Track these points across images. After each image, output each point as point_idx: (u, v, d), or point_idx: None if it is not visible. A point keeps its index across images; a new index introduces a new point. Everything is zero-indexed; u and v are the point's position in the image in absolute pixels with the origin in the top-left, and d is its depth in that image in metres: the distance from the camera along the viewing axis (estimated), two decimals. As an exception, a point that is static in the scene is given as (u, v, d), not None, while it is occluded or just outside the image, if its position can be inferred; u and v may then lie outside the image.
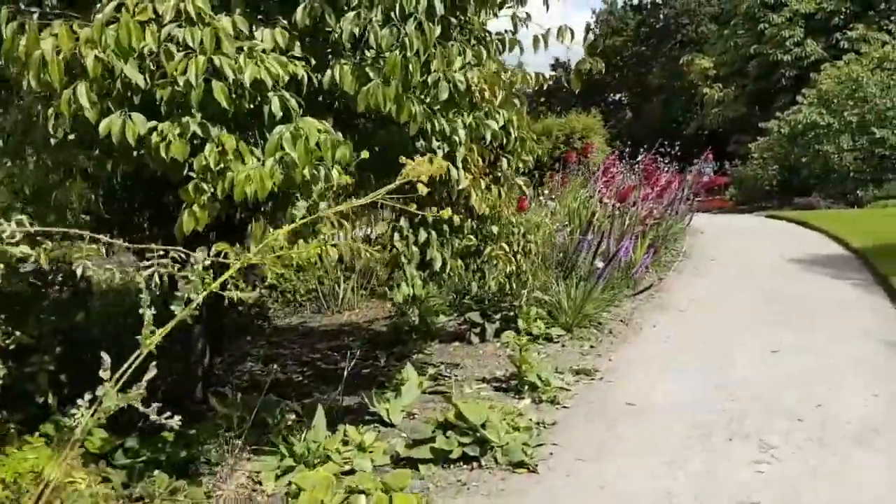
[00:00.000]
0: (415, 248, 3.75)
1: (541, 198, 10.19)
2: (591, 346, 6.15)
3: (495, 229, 4.96)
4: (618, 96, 43.14)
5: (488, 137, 3.99)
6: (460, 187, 3.73)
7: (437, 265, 3.81)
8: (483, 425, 3.79)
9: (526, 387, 4.90)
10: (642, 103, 41.10)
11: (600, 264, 7.23)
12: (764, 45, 25.72)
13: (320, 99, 3.25)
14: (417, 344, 6.40)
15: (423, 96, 3.23)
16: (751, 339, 6.02)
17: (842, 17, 24.66)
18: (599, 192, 9.48)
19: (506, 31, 5.01)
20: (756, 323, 6.63)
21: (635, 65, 41.08)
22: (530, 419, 4.34)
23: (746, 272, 9.43)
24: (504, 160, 4.45)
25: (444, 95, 3.22)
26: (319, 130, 2.80)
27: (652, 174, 11.49)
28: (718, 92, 27.62)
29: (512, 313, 6.52)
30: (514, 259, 6.16)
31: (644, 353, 5.83)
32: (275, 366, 6.37)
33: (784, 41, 24.98)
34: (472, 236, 4.99)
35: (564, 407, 4.65)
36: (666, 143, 15.34)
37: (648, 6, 40.27)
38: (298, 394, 5.46)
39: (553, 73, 38.94)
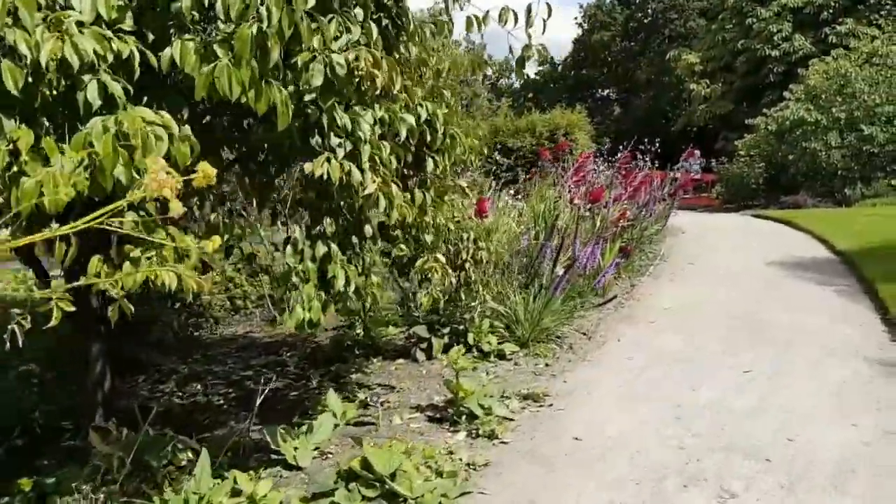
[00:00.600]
0: (311, 265, 3.16)
1: (506, 198, 9.63)
2: (547, 365, 5.58)
3: (429, 238, 4.39)
4: (606, 92, 42.60)
5: (403, 134, 3.41)
6: (366, 192, 3.14)
7: (340, 284, 3.21)
8: (393, 475, 3.21)
9: (463, 416, 4.32)
10: (630, 99, 40.64)
11: (560, 271, 6.66)
12: (751, 40, 25.21)
13: (170, 84, 2.66)
14: (358, 362, 5.81)
15: (295, 82, 2.64)
16: (722, 358, 5.45)
17: (831, 11, 24.16)
18: (570, 192, 8.89)
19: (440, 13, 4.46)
20: (730, 337, 6.06)
21: (623, 60, 40.60)
22: (459, 459, 3.77)
23: (725, 277, 8.87)
24: (430, 160, 3.87)
25: (318, 81, 2.64)
26: (148, 122, 2.20)
27: (629, 173, 10.93)
28: (705, 88, 27.09)
29: (462, 327, 5.94)
30: (464, 268, 5.61)
31: (603, 373, 5.26)
32: (198, 385, 5.81)
33: (772, 36, 24.47)
34: (403, 246, 4.44)
35: (503, 442, 4.07)
36: (646, 139, 14.81)
37: (637, 1, 39.75)
38: (213, 422, 4.89)
39: (541, 65, 38.37)
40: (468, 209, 6.21)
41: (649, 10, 38.19)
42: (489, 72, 42.52)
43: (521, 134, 26.43)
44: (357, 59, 2.76)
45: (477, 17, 4.00)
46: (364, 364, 5.79)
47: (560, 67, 42.23)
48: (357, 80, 2.83)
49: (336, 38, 2.75)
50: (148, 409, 5.12)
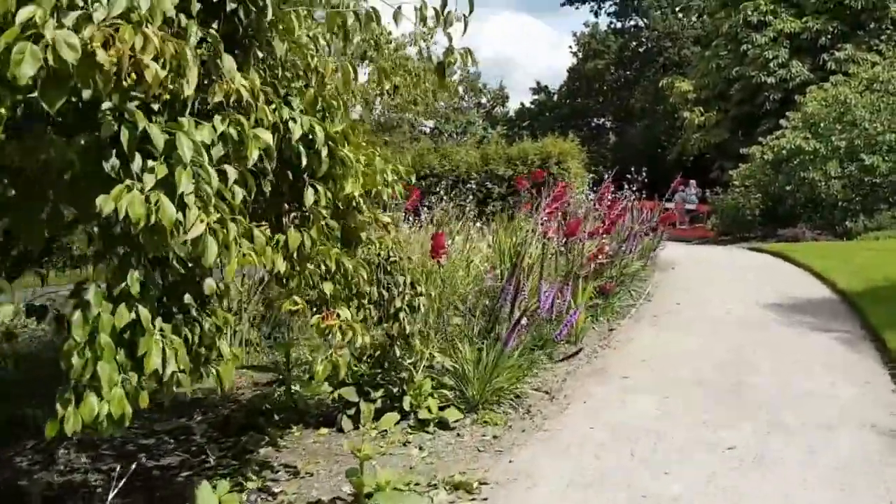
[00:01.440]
0: (105, 338, 2.28)
1: (472, 233, 8.78)
2: (496, 437, 4.67)
3: (328, 288, 3.52)
4: (601, 121, 41.99)
5: (253, 156, 2.55)
6: (189, 236, 2.27)
7: (153, 363, 2.34)
8: None
9: (367, 521, 3.42)
10: (626, 128, 40.01)
11: (523, 320, 5.77)
12: (746, 67, 24.53)
13: None
14: (271, 432, 4.89)
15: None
16: (701, 430, 4.55)
17: (829, 36, 23.49)
18: (542, 225, 8.04)
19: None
20: (712, 401, 5.16)
21: (618, 89, 40.05)
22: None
23: (714, 322, 7.97)
24: (309, 191, 3.01)
25: (28, 70, 1.76)
26: None
27: (613, 204, 10.11)
28: (699, 116, 26.36)
29: (398, 389, 5.04)
30: (397, 318, 4.74)
31: (557, 450, 4.35)
32: (85, 457, 4.90)
33: (768, 62, 23.79)
34: (298, 299, 3.58)
35: (412, 557, 3.17)
36: (632, 169, 14.01)
37: (631, 29, 39.26)
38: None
39: (536, 94, 37.78)
40: (409, 246, 5.35)
41: (643, 39, 37.68)
42: (483, 100, 42.01)
43: (512, 162, 25.71)
44: (108, 40, 1.88)
45: (375, 10, 3.19)
46: (280, 434, 4.88)
47: (556, 96, 41.68)
48: (125, 74, 1.95)
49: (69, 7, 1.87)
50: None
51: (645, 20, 37.71)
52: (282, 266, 2.95)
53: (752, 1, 24.88)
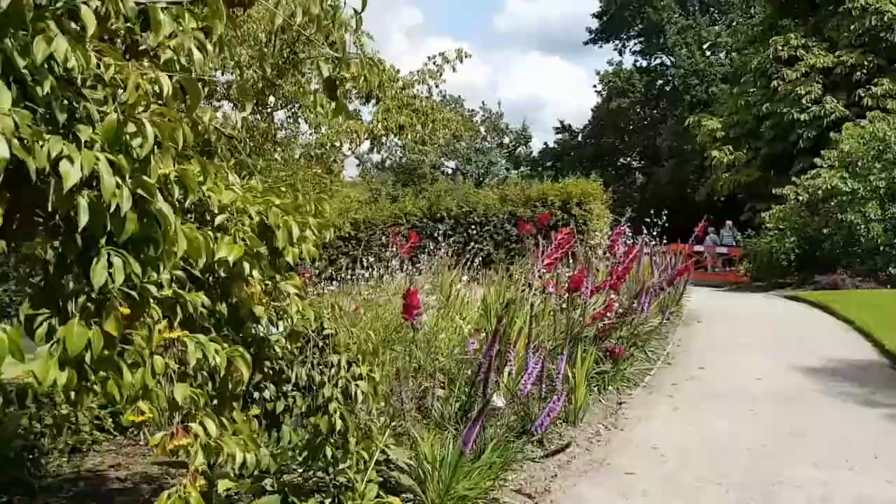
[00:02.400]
0: None
1: (459, 286, 7.74)
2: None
3: (180, 393, 2.51)
4: (627, 160, 40.92)
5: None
6: None
7: None
8: None
9: None
10: (653, 168, 38.89)
11: (500, 402, 4.70)
12: (778, 104, 23.38)
13: None
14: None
15: None
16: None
17: (864, 71, 22.29)
18: (538, 278, 7.00)
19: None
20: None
21: (644, 128, 39.04)
22: None
23: (743, 395, 6.79)
24: (97, 267, 2.01)
25: None
26: None
27: (628, 253, 9.03)
28: (728, 155, 25.17)
29: (331, 501, 3.98)
30: (327, 411, 3.73)
31: None
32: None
33: (800, 98, 22.62)
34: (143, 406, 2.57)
35: None
36: (652, 211, 12.94)
37: (657, 67, 38.35)
38: None
39: (560, 133, 37.02)
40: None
41: (669, 77, 36.72)
42: (506, 140, 41.24)
43: (531, 203, 24.74)
44: None
45: None
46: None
47: (580, 136, 40.79)
48: None
49: None
50: None
51: (671, 58, 36.79)
52: (59, 377, 1.95)
53: (782, 36, 23.84)
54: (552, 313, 6.75)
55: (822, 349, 8.89)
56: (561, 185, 25.02)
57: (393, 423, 4.65)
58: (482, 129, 39.73)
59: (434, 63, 16.90)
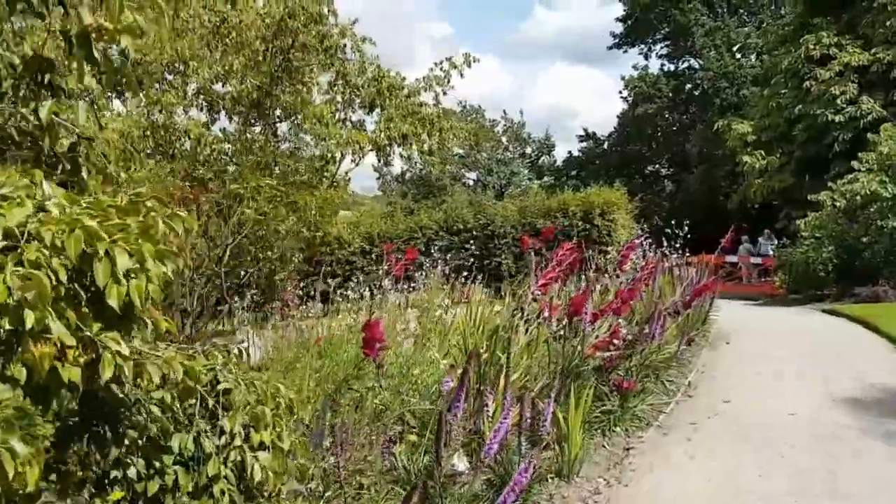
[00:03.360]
0: None
1: (440, 309, 6.83)
2: None
3: None
4: (654, 167, 39.70)
5: None
6: None
7: None
8: None
9: None
10: (682, 175, 37.66)
11: (462, 465, 3.81)
12: (811, 105, 22.15)
13: None
14: None
15: None
16: None
17: (903, 68, 21.04)
18: (532, 300, 6.10)
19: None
20: None
21: (673, 134, 37.83)
22: None
23: (774, 434, 5.81)
24: None
25: None
26: None
27: (646, 267, 8.08)
28: (760, 160, 23.96)
29: None
30: (210, 496, 2.91)
31: None
32: None
33: (834, 99, 21.38)
34: None
35: None
36: (673, 221, 11.98)
37: (685, 71, 37.14)
38: None
39: (584, 141, 36.07)
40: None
41: (697, 80, 35.49)
42: (528, 150, 40.29)
43: (552, 215, 23.80)
44: None
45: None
46: None
47: (606, 143, 39.68)
48: None
49: None
50: None
51: (699, 61, 35.58)
52: None
53: (814, 34, 22.64)
54: (546, 343, 5.83)
55: (865, 374, 7.85)
56: (583, 195, 24.02)
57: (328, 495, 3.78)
58: (504, 138, 38.84)
59: (441, 69, 16.07)
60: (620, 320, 6.47)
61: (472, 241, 23.36)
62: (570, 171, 39.34)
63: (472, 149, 37.83)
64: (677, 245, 11.74)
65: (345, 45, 13.36)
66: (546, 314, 6.23)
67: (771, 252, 22.53)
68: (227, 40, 13.16)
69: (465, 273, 11.03)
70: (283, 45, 12.54)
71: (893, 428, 5.85)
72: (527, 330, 6.10)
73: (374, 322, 4.73)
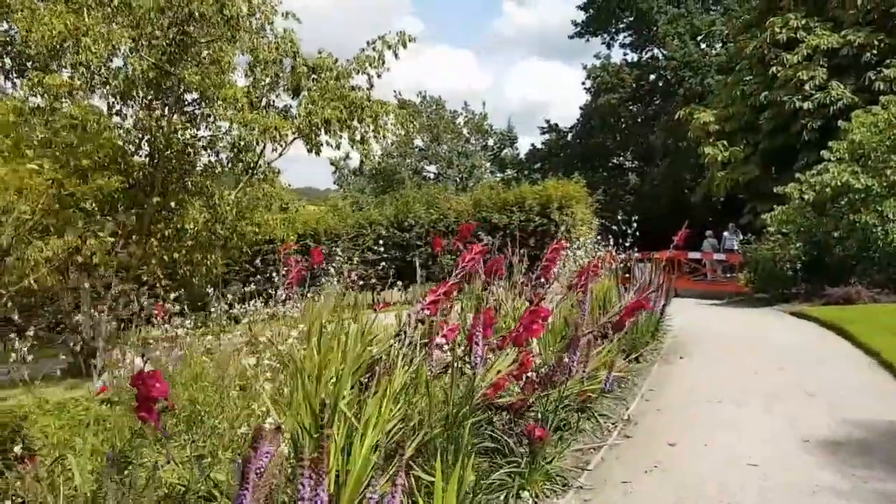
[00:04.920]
0: None
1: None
2: None
3: None
4: (619, 160, 38.48)
5: None
6: None
7: None
8: None
9: None
10: (646, 168, 36.50)
11: None
12: (777, 91, 20.91)
13: None
14: None
15: None
16: None
17: (874, 52, 19.78)
18: (417, 322, 4.65)
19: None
20: None
21: (636, 125, 36.62)
22: None
23: (725, 498, 4.39)
24: None
25: None
26: None
27: (583, 272, 6.65)
28: (722, 151, 22.72)
29: None
30: None
31: None
32: None
33: (802, 85, 20.15)
34: None
35: None
36: (619, 218, 10.64)
37: (648, 61, 35.88)
38: None
39: (546, 133, 34.76)
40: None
41: (660, 70, 34.23)
42: (490, 142, 38.87)
43: (508, 209, 22.43)
44: None
45: None
46: None
47: (570, 135, 38.30)
48: None
49: None
50: None
51: (662, 50, 34.33)
52: None
53: (781, 17, 21.42)
54: (427, 384, 4.35)
55: (843, 400, 6.50)
56: (540, 188, 22.70)
57: None
58: (465, 130, 37.33)
59: (374, 48, 14.52)
60: (535, 344, 5.04)
61: (423, 238, 21.91)
62: (532, 164, 37.98)
63: (432, 141, 36.37)
64: (627, 243, 10.39)
65: (254, 18, 11.78)
66: (441, 339, 4.80)
67: (736, 247, 21.36)
68: (122, 16, 11.56)
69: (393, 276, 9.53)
70: (178, 16, 10.95)
71: (873, 484, 4.48)
72: (412, 360, 4.65)
73: (149, 374, 3.30)
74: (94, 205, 12.44)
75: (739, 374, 7.94)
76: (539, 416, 4.88)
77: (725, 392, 7.04)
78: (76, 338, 11.99)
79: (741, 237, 21.14)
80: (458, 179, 35.09)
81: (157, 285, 13.88)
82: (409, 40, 13.86)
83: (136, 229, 13.33)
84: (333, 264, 8.36)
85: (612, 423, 6.00)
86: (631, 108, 36.12)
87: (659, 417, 6.25)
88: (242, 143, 12.53)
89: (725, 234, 23.05)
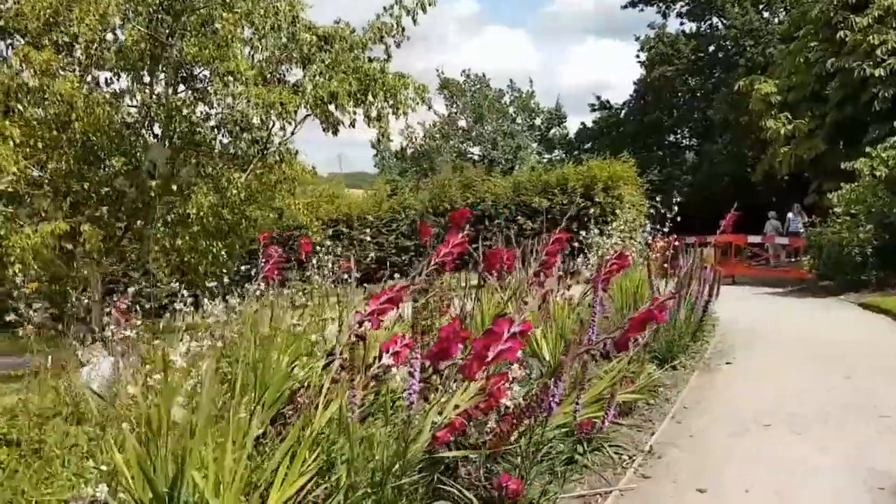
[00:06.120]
0: None
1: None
2: None
3: None
4: (675, 137, 36.60)
5: None
6: None
7: None
8: None
9: None
10: (705, 145, 34.60)
11: None
12: (846, 58, 19.08)
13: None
14: None
15: None
16: None
17: (955, 11, 17.87)
18: (351, 343, 3.52)
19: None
20: None
21: (694, 99, 34.69)
22: None
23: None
24: None
25: None
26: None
27: (606, 269, 5.41)
28: (786, 124, 20.94)
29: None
30: None
31: None
32: None
33: (873, 50, 18.30)
34: None
35: None
36: (658, 200, 9.30)
37: (707, 31, 33.86)
38: None
39: (597, 111, 33.21)
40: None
41: (720, 40, 32.21)
42: (537, 121, 37.38)
43: (549, 191, 21.12)
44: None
45: None
46: None
47: (622, 112, 36.55)
48: None
49: None
50: None
51: (722, 19, 32.30)
52: None
53: (849, -25, 19.56)
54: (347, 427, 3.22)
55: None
56: (584, 169, 21.32)
57: None
58: (511, 109, 35.87)
59: (390, 14, 13.37)
60: (515, 367, 3.86)
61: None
62: (582, 144, 36.37)
63: (476, 122, 35.11)
64: (666, 229, 9.11)
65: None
66: (388, 361, 3.68)
67: (801, 230, 19.63)
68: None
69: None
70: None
71: None
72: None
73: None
74: (89, 187, 11.63)
75: (796, 385, 6.61)
76: (512, 464, 3.71)
77: (777, 411, 5.74)
78: (82, 328, 11.16)
79: (806, 219, 19.44)
80: (502, 161, 33.74)
81: (162, 274, 13.05)
82: (429, 4, 12.66)
83: (138, 214, 12.50)
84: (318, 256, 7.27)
85: (630, 456, 4.78)
86: (688, 81, 34.20)
87: (690, 448, 5.00)
88: (245, 120, 11.54)
89: (789, 215, 21.38)
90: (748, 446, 4.99)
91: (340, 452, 3.22)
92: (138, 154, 12.13)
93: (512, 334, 3.46)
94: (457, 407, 3.42)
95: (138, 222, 12.31)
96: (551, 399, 3.27)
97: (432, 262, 4.52)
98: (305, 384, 3.52)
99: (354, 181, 42.15)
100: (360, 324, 3.56)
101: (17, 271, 9.89)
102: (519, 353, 5.03)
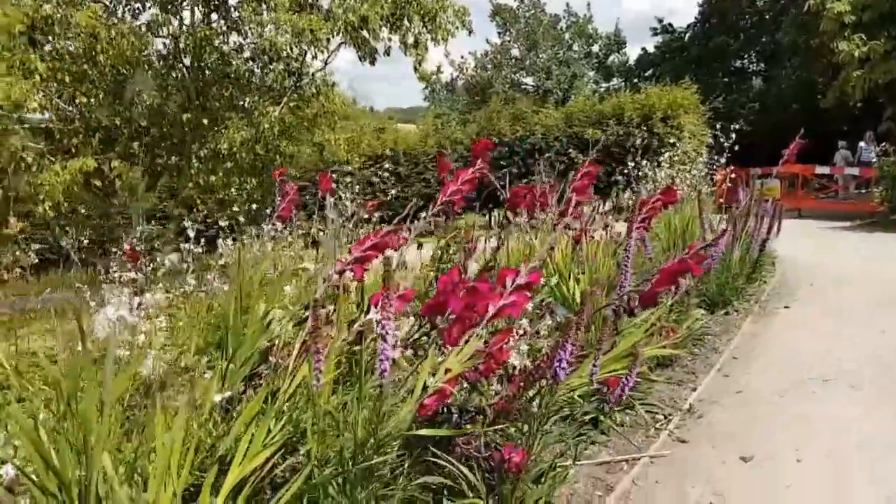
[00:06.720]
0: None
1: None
2: None
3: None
4: (741, 63, 34.75)
5: None
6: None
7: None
8: None
9: None
10: (773, 70, 32.77)
11: None
12: (930, -30, 17.45)
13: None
14: None
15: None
16: None
17: None
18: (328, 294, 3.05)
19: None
20: None
21: (762, 22, 32.74)
22: None
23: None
24: None
25: None
26: None
27: (645, 209, 4.78)
28: (860, 46, 19.41)
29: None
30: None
31: None
32: None
33: (962, -41, 16.66)
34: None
35: None
36: (719, 126, 8.50)
37: (777, -57, 31.64)
38: None
39: (658, 35, 31.56)
40: None
41: (791, -46, 30.05)
42: (595, 48, 35.86)
43: (604, 122, 20.15)
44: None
45: None
46: None
47: (686, 36, 34.70)
48: None
49: None
50: None
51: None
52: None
53: None
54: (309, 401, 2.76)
55: None
56: (642, 97, 20.24)
57: None
58: (567, 35, 34.38)
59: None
60: (523, 322, 3.34)
61: (507, 158, 20.04)
62: (643, 71, 34.82)
63: (529, 50, 33.82)
64: (723, 159, 8.34)
65: None
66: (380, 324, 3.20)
67: (874, 159, 18.37)
68: None
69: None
70: None
71: None
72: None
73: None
74: (119, 123, 11.33)
75: (861, 333, 5.94)
76: (522, 428, 3.22)
77: (839, 364, 5.11)
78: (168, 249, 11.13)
79: (879, 148, 18.16)
80: (557, 92, 32.49)
81: (196, 210, 12.80)
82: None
83: (173, 150, 12.19)
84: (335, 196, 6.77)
85: (666, 415, 4.26)
86: (756, 1, 32.21)
87: (736, 407, 4.44)
88: (274, 50, 11.02)
89: (861, 144, 20.07)
90: (802, 405, 4.40)
91: (312, 423, 2.78)
92: (170, 87, 11.77)
93: (516, 286, 2.95)
94: (448, 371, 2.92)
95: (173, 158, 12.01)
96: (557, 365, 2.74)
97: (440, 201, 3.99)
98: (279, 342, 3.08)
99: (408, 116, 41.38)
100: (341, 273, 3.07)
101: (47, 209, 9.71)
102: (550, 300, 4.50)
